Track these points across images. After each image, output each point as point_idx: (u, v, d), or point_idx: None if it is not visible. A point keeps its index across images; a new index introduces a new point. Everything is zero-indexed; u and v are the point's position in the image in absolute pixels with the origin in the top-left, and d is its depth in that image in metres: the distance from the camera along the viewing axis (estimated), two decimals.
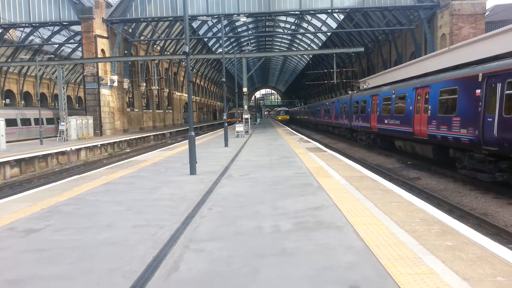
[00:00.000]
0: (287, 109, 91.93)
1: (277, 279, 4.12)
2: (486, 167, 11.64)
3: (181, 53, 47.32)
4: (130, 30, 41.53)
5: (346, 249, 4.90)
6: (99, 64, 35.30)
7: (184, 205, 7.56)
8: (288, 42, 75.75)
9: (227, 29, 56.43)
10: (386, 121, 20.60)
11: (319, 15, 46.96)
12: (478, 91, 11.95)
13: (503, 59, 11.44)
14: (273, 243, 5.24)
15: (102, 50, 36.36)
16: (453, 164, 14.11)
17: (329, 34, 54.95)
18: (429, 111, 15.37)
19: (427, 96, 15.75)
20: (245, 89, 31.31)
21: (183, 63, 61.70)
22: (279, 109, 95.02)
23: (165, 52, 53.61)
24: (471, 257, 4.45)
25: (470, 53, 20.14)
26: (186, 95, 57.27)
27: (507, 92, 10.59)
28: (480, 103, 11.76)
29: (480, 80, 11.89)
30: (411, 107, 17.25)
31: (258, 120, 63.85)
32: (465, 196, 11.67)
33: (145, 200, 8.12)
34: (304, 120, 63.72)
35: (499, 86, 10.94)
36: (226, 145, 20.95)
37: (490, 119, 11.21)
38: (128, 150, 31.16)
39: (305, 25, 58.43)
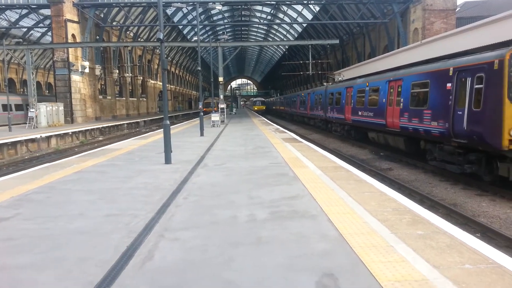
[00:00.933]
0: (263, 99, 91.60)
1: (252, 267, 4.14)
2: (456, 159, 12.00)
3: (155, 40, 46.47)
4: (102, 15, 40.43)
5: (320, 237, 4.97)
6: (70, 49, 34.26)
7: (159, 194, 7.48)
8: (264, 32, 75.56)
9: (202, 17, 55.71)
10: (360, 113, 20.91)
11: (295, 6, 46.98)
12: (448, 84, 12.26)
13: (473, 54, 11.76)
14: (248, 232, 5.25)
15: (73, 35, 35.26)
16: (424, 156, 14.48)
17: (304, 25, 55.11)
18: (401, 104, 15.67)
19: (399, 89, 16.04)
20: (221, 79, 31.08)
21: (157, 51, 60.62)
22: (255, 99, 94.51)
23: (139, 39, 52.52)
24: (441, 246, 4.59)
25: (441, 48, 20.61)
26: (161, 83, 56.44)
27: (477, 86, 10.90)
28: (450, 97, 12.07)
29: (451, 74, 12.19)
30: (384, 99, 17.55)
31: (234, 110, 63.64)
32: (435, 187, 12.02)
33: (118, 189, 7.98)
34: (280, 110, 63.91)
35: (469, 80, 11.25)
36: (201, 134, 20.81)
37: (460, 112, 11.54)
38: (100, 138, 30.52)
39: (281, 15, 58.37)
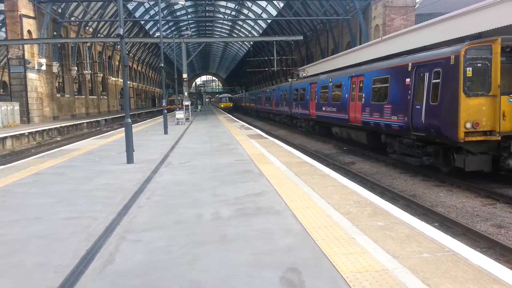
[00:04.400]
0: (231, 96, 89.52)
1: (218, 265, 4.12)
2: (415, 152, 12.40)
3: (115, 35, 45.28)
4: (60, 10, 38.97)
5: (285, 233, 5.00)
6: (26, 46, 32.80)
7: (120, 195, 7.30)
8: (229, 28, 75.21)
9: (165, 12, 54.78)
10: (324, 109, 21.22)
11: (259, 2, 46.95)
12: (407, 80, 12.64)
13: (431, 50, 12.17)
14: (213, 230, 5.22)
15: (29, 31, 33.80)
16: (384, 149, 14.89)
17: (269, 21, 55.28)
18: (363, 99, 16.03)
19: (361, 85, 16.40)
20: (185, 75, 30.70)
21: (118, 47, 59.06)
22: (221, 96, 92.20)
23: (98, 35, 50.99)
24: (400, 236, 4.72)
25: (401, 44, 21.19)
26: (122, 80, 55.07)
27: (434, 81, 11.29)
28: (409, 91, 12.45)
29: (409, 69, 12.57)
30: (346, 95, 17.88)
31: (199, 107, 63.05)
32: (395, 179, 12.38)
33: (77, 191, 7.72)
34: (246, 107, 63.80)
35: (426, 75, 11.64)
36: (165, 132, 20.50)
37: (418, 107, 11.92)
38: (59, 139, 29.45)
39: (245, 11, 58.30)
